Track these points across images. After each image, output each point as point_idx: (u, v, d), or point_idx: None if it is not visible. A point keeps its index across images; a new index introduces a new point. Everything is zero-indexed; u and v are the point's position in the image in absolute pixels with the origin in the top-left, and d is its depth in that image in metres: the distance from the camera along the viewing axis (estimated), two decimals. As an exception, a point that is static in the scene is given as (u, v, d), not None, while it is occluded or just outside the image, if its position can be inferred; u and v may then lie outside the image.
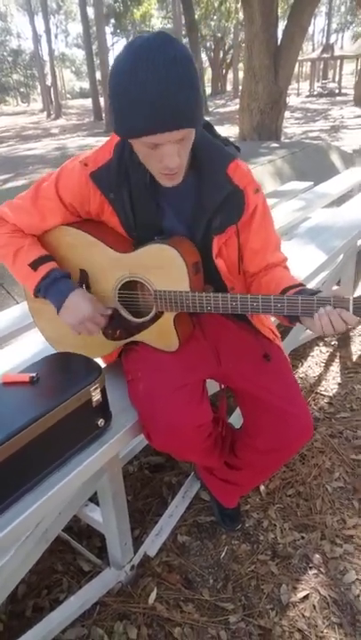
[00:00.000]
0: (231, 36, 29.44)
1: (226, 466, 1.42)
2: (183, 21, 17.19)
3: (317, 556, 1.47)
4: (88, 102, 29.62)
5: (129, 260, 1.15)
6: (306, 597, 1.36)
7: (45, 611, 1.33)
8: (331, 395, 2.20)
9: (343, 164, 6.37)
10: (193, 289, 1.11)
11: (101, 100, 20.54)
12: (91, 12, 19.56)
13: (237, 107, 7.97)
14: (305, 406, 1.23)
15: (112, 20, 28.83)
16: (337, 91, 25.70)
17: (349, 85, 25.87)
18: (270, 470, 1.42)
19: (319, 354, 2.53)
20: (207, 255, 1.15)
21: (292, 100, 20.06)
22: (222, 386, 1.39)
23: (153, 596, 1.37)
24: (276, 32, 6.68)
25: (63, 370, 1.14)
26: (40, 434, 0.96)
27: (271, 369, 1.25)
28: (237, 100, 9.06)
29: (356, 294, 2.51)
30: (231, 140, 1.18)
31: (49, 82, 28.12)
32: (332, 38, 41.75)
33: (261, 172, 5.11)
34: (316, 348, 2.59)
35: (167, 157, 0.94)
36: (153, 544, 1.51)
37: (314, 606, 1.33)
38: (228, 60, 33.26)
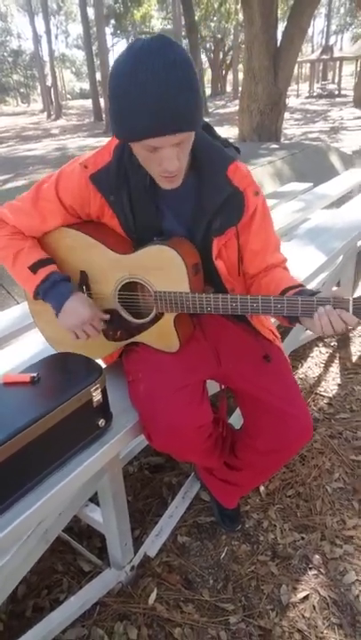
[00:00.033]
0: (231, 37, 29.47)
1: (226, 466, 1.42)
2: (183, 22, 17.22)
3: (317, 556, 1.47)
4: (88, 103, 29.66)
5: (129, 261, 1.15)
6: (306, 598, 1.36)
7: (45, 611, 1.33)
8: (330, 396, 2.20)
9: (343, 166, 6.39)
10: (193, 290, 1.11)
11: (102, 101, 20.55)
12: (91, 12, 19.61)
13: (237, 108, 7.97)
14: (305, 407, 1.23)
15: (112, 21, 28.88)
16: (336, 92, 25.72)
17: (349, 87, 25.89)
18: (270, 471, 1.42)
19: (319, 355, 2.54)
20: (207, 257, 1.15)
21: (291, 102, 20.07)
22: (222, 386, 1.39)
23: (153, 596, 1.37)
24: (276, 33, 6.69)
25: (64, 370, 1.14)
26: (41, 434, 0.96)
27: (271, 370, 1.25)
28: (237, 101, 9.06)
29: (355, 295, 2.51)
30: (231, 140, 1.18)
31: (49, 82, 28.12)
32: (332, 40, 41.79)
33: (261, 173, 5.11)
34: (316, 348, 2.59)
35: (167, 161, 0.94)
36: (153, 544, 1.52)
37: (314, 607, 1.34)
38: (228, 61, 33.30)
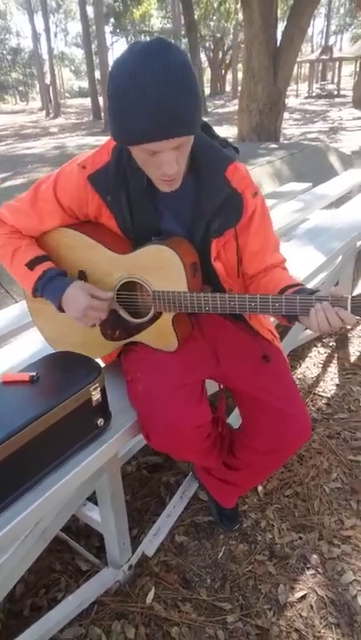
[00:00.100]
0: (230, 36, 29.46)
1: (224, 466, 1.42)
2: (183, 21, 17.21)
3: (315, 556, 1.47)
4: (87, 101, 29.59)
5: (127, 261, 1.15)
6: (303, 597, 1.36)
7: (43, 610, 1.34)
8: (329, 396, 2.20)
9: (342, 166, 6.40)
10: (191, 289, 1.11)
11: (100, 100, 20.49)
12: (90, 11, 19.52)
13: (236, 107, 7.97)
14: (303, 407, 1.24)
15: (111, 20, 28.82)
16: (336, 92, 25.72)
17: (348, 87, 25.88)
18: (269, 471, 1.43)
19: (317, 355, 2.54)
20: (205, 258, 1.15)
21: (290, 102, 20.07)
22: (221, 386, 1.40)
23: (151, 595, 1.37)
24: (276, 33, 6.69)
25: (63, 369, 1.14)
26: (40, 433, 0.96)
27: (270, 370, 1.25)
28: (236, 101, 9.08)
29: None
30: (230, 140, 1.18)
31: (48, 80, 28.06)
32: (331, 40, 41.87)
33: (260, 172, 5.12)
34: (315, 349, 2.59)
35: (166, 164, 0.94)
36: (151, 544, 1.52)
37: (311, 606, 1.34)
38: (228, 61, 33.30)
